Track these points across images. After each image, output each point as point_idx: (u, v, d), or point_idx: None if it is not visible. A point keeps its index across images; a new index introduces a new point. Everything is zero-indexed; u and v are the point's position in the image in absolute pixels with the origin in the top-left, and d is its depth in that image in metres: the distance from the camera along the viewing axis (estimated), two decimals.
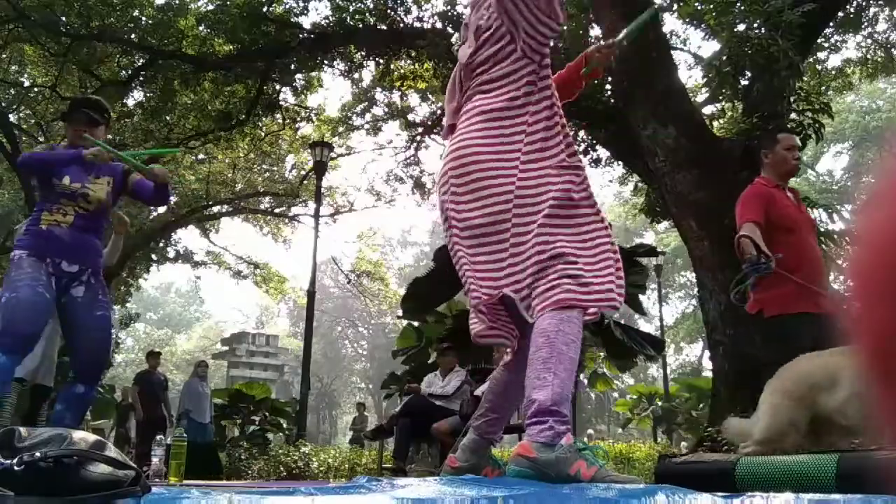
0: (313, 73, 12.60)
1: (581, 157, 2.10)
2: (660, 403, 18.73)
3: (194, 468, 8.19)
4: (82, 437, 1.19)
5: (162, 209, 18.09)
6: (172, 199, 17.95)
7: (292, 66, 11.68)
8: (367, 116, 14.14)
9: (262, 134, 14.42)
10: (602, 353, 14.22)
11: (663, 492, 1.32)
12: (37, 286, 2.94)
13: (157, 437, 3.93)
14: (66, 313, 3.10)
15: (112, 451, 1.19)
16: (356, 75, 12.72)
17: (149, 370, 9.92)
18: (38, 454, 1.12)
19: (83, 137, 3.18)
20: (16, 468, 1.10)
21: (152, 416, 9.23)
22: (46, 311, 2.99)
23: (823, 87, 11.35)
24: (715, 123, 7.86)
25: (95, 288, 3.14)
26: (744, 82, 6.91)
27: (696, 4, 9.39)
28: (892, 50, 11.76)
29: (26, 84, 13.70)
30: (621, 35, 2.33)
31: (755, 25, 6.46)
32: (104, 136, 3.30)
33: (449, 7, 10.58)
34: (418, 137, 13.71)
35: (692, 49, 16.29)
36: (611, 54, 2.29)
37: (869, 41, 11.85)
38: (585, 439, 16.30)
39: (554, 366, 1.81)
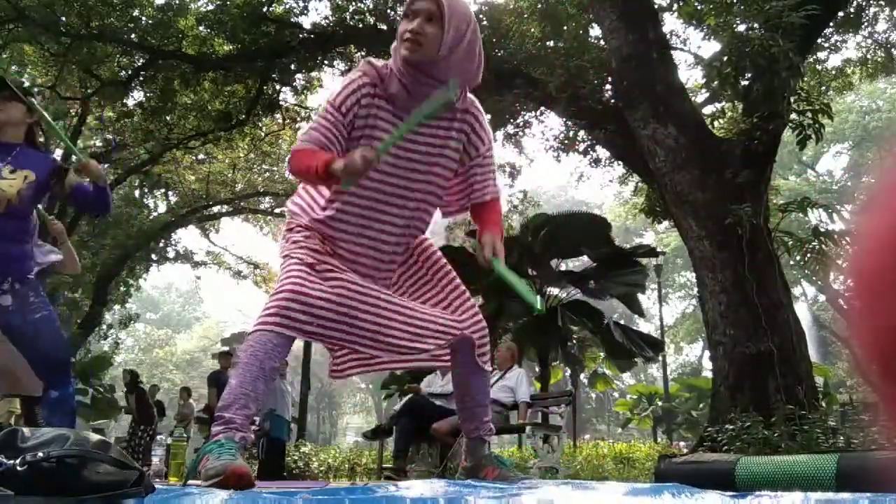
0: (313, 73, 12.59)
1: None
2: (660, 403, 18.75)
3: (275, 466, 8.09)
4: (85, 437, 1.20)
5: (162, 209, 18.12)
6: (172, 198, 17.97)
7: (292, 66, 11.67)
8: None
9: (262, 134, 14.42)
10: (602, 353, 14.23)
11: (669, 490, 1.32)
12: None
13: (158, 437, 3.93)
14: (2, 326, 2.82)
15: (115, 452, 1.19)
16: None
17: (221, 370, 9.54)
18: (40, 454, 1.12)
19: None
20: (19, 468, 1.11)
21: None
22: None
23: (823, 87, 11.35)
24: (715, 123, 7.85)
25: (23, 292, 2.83)
26: (744, 82, 6.91)
27: (696, 4, 9.39)
28: (892, 50, 11.76)
29: (26, 84, 13.70)
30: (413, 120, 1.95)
31: (755, 26, 6.47)
32: (25, 115, 2.87)
33: None
34: None
35: (692, 49, 16.27)
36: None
37: (869, 41, 11.84)
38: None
39: (235, 369, 1.96)
